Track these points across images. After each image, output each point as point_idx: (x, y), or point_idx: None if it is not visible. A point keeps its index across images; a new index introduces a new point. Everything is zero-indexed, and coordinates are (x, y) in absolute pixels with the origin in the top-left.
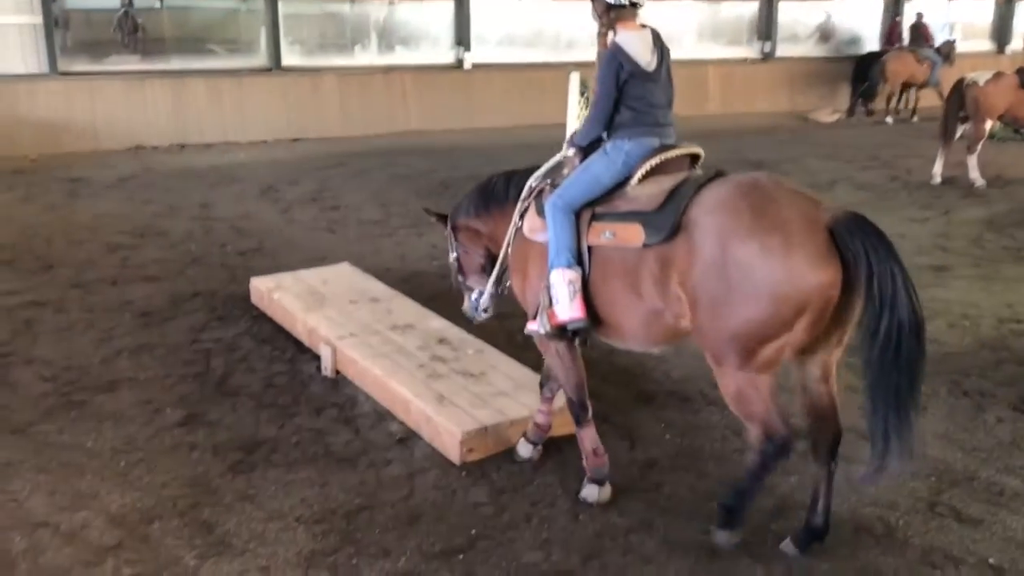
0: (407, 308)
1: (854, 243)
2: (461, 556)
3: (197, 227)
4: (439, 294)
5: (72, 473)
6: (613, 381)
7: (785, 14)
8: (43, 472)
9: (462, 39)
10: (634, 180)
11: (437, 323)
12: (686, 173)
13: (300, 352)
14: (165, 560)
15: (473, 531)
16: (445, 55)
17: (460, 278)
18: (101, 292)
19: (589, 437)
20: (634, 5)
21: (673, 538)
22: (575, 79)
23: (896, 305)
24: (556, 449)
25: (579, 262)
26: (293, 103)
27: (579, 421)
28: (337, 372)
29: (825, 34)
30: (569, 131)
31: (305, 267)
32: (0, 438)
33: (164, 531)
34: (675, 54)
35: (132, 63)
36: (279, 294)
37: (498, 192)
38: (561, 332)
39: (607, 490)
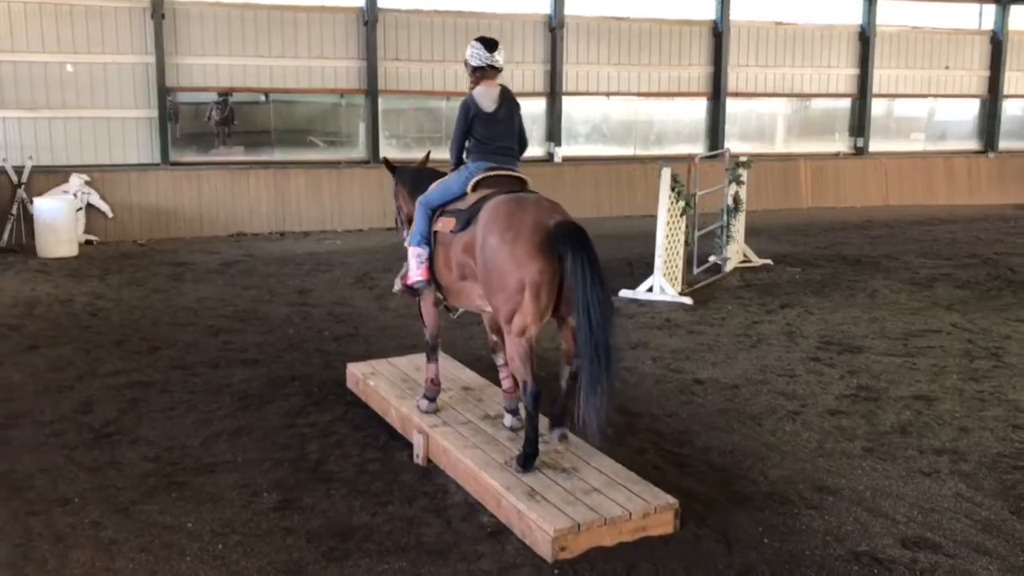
0: (498, 398)
1: (560, 243)
2: None
3: (295, 312)
4: None
5: (173, 554)
6: (709, 481)
7: (879, 108)
8: (145, 551)
9: (553, 134)
10: (468, 189)
11: None
12: (506, 188)
13: (392, 439)
14: None
15: None
16: (536, 149)
17: (399, 217)
18: (203, 374)
19: (431, 370)
20: (492, 68)
21: None
22: (666, 174)
23: (585, 286)
24: (650, 550)
25: (428, 242)
26: (389, 194)
27: (428, 357)
28: (429, 460)
29: None
30: (660, 222)
31: (398, 353)
32: (106, 516)
33: None
34: (767, 149)
35: (236, 154)
36: (374, 380)
37: (419, 185)
38: (411, 290)
39: (435, 406)
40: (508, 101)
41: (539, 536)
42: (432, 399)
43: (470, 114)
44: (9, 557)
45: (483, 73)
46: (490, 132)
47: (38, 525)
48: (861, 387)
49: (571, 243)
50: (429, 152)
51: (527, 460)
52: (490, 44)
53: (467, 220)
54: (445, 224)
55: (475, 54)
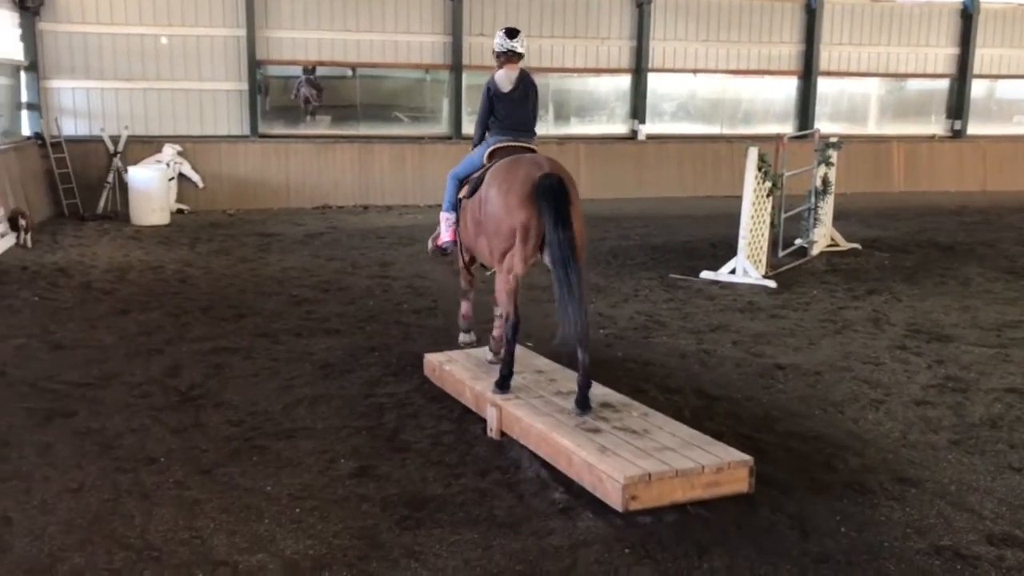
0: (570, 378)
1: (539, 194)
2: None
3: (376, 285)
4: (604, 361)
5: (252, 516)
6: (787, 468)
7: (979, 89)
8: (226, 513)
9: (637, 111)
10: (484, 159)
11: (600, 390)
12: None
13: (467, 412)
14: None
15: None
16: (619, 127)
17: None
18: (286, 342)
19: (464, 307)
20: (513, 53)
21: None
22: (753, 153)
23: (554, 228)
24: (722, 534)
25: (454, 209)
26: None
27: (462, 297)
28: (502, 435)
29: None
30: (745, 203)
31: (475, 328)
32: (190, 477)
33: None
34: (859, 130)
35: (323, 128)
36: (450, 366)
37: None
38: (442, 251)
39: (472, 337)
40: (524, 83)
41: (609, 486)
42: (468, 331)
43: (490, 94)
44: (98, 512)
45: (506, 58)
46: (506, 110)
47: (126, 482)
48: (949, 377)
49: (547, 192)
50: None
51: (503, 380)
52: (511, 32)
53: (476, 184)
54: (464, 191)
55: (498, 42)
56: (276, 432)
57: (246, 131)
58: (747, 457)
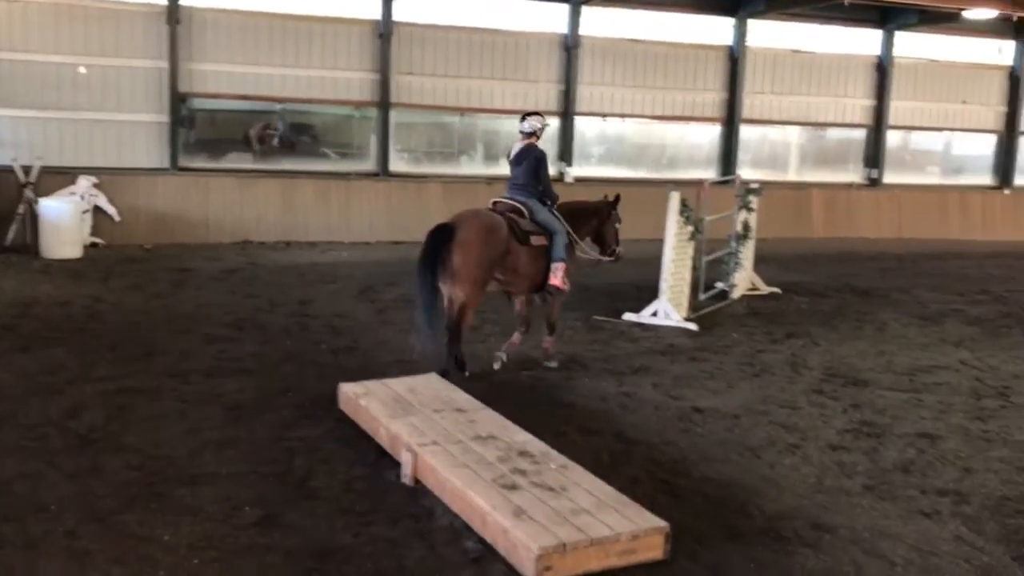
0: (490, 419)
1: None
2: None
3: (294, 323)
4: (527, 403)
5: (146, 567)
6: (703, 514)
7: (894, 140)
8: (118, 564)
9: (564, 154)
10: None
11: (520, 436)
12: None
13: (381, 456)
14: None
15: None
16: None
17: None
18: (196, 383)
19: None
20: (521, 132)
21: None
22: (675, 198)
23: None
24: None
25: None
26: (397, 207)
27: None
28: (417, 480)
29: None
30: (667, 246)
31: (396, 368)
32: (82, 525)
33: None
34: (780, 177)
35: (246, 162)
36: (366, 400)
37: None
38: None
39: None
40: (522, 154)
41: (523, 554)
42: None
43: (509, 159)
44: None
45: (523, 135)
46: (510, 172)
47: (10, 531)
48: (864, 422)
49: (431, 233)
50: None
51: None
52: (523, 116)
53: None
54: None
55: None
56: (178, 478)
57: (166, 164)
58: (663, 524)
